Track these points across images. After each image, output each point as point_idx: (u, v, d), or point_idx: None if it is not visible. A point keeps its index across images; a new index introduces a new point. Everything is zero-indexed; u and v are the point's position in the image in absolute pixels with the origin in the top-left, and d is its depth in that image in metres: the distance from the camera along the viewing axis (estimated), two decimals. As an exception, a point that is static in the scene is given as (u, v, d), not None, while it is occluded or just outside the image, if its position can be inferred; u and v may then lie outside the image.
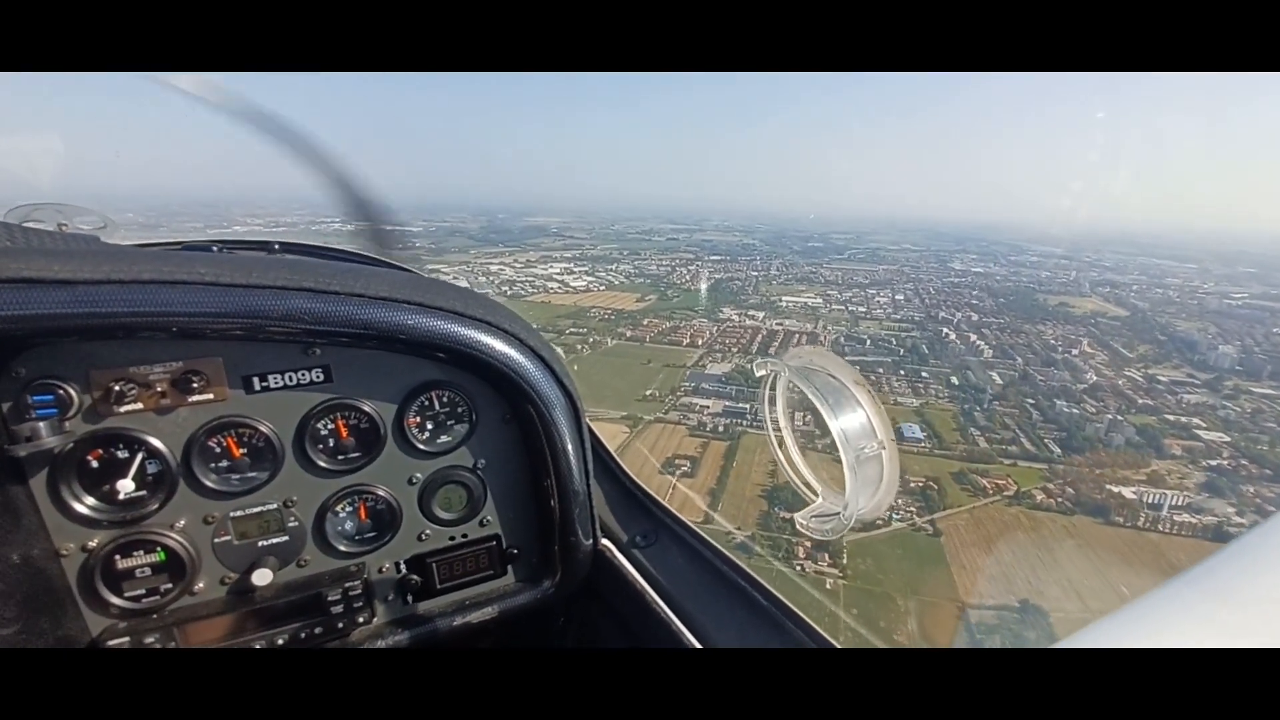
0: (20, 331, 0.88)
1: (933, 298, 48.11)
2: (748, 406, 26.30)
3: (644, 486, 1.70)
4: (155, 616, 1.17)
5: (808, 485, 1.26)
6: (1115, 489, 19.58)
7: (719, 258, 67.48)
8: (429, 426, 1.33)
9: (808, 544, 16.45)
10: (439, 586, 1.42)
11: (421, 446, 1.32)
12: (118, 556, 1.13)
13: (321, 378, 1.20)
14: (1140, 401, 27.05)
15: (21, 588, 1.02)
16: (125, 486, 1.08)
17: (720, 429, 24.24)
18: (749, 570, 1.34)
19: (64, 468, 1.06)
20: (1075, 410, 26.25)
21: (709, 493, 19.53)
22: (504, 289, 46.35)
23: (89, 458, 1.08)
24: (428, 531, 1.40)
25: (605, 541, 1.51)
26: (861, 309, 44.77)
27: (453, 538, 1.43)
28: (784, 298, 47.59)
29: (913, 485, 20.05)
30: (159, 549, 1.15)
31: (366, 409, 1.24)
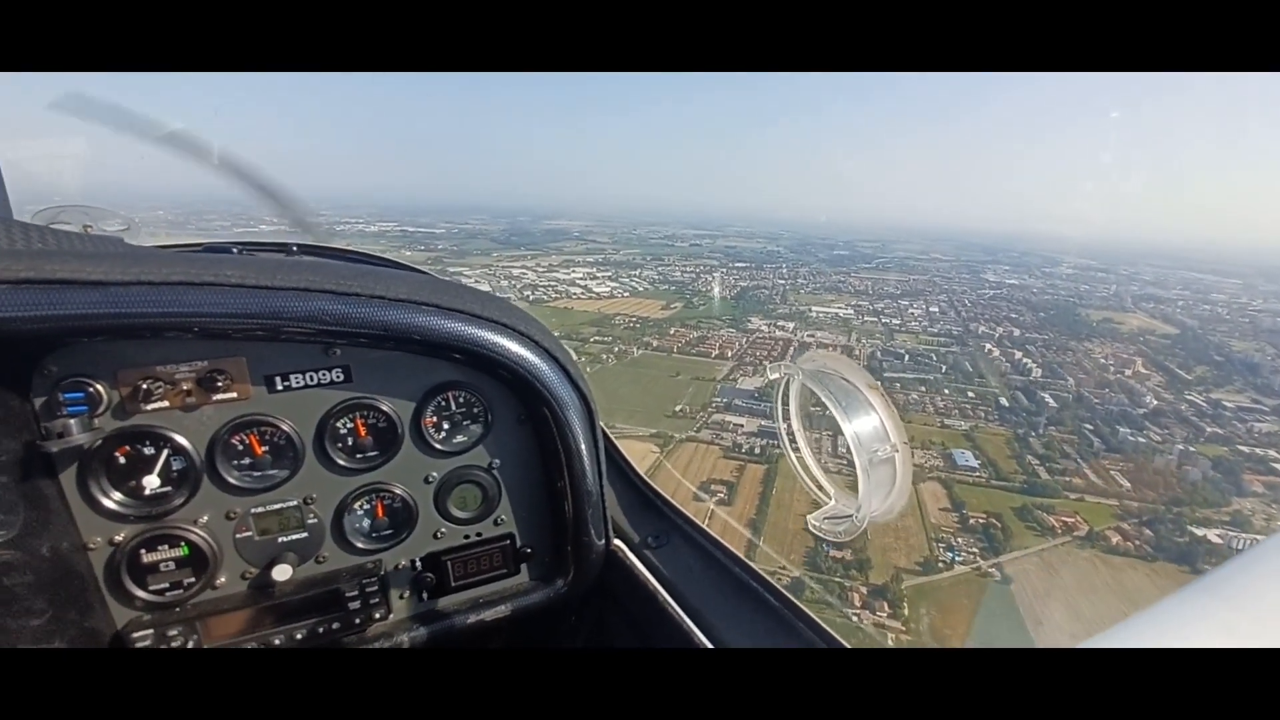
0: (53, 330, 0.90)
1: (969, 310, 46.61)
2: (784, 426, 24.78)
3: (656, 488, 1.69)
4: (178, 610, 1.18)
5: (820, 488, 1.27)
6: (1198, 531, 17.77)
7: (744, 265, 66.63)
8: (445, 426, 1.34)
9: (862, 590, 14.91)
10: (454, 584, 1.42)
11: (438, 446, 1.33)
12: (143, 551, 1.14)
13: (341, 377, 1.21)
14: (1209, 430, 25.13)
15: (50, 580, 1.03)
16: (151, 482, 1.09)
17: (756, 450, 22.73)
18: (760, 571, 1.33)
19: (93, 464, 1.08)
20: (1141, 439, 24.37)
21: (749, 523, 18.06)
22: (526, 293, 45.54)
23: (117, 454, 1.10)
24: (443, 530, 1.40)
25: (618, 542, 1.51)
26: (895, 321, 43.20)
27: (467, 536, 1.43)
28: (814, 308, 46.27)
29: (973, 521, 18.39)
30: (183, 544, 1.16)
31: (385, 408, 1.25)
